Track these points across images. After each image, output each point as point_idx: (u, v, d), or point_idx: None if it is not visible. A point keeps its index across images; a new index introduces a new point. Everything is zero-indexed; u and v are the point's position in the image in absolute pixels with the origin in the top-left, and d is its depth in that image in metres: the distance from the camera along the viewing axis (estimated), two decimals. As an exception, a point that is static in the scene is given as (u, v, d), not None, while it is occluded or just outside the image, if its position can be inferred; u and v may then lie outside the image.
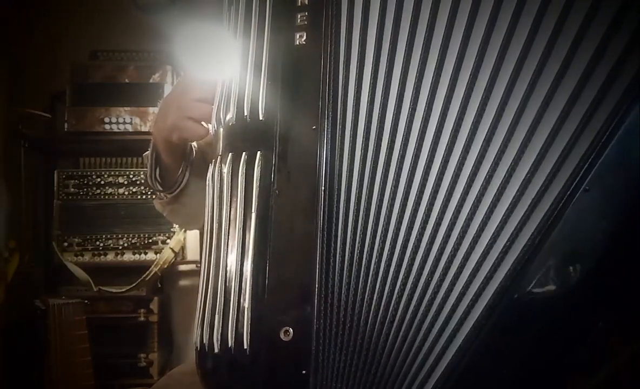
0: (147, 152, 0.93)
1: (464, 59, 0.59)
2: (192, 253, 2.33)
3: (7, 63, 2.35)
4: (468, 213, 0.58)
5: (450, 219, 0.58)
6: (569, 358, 0.56)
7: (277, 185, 0.63)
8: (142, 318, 2.20)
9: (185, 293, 2.43)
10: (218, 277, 0.65)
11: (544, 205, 0.55)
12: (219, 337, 0.63)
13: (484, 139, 0.58)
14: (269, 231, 0.62)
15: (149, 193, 2.23)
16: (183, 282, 2.45)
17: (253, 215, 0.63)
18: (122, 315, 2.19)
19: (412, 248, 0.60)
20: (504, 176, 0.57)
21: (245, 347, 0.61)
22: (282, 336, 0.60)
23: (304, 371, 0.59)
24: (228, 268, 0.64)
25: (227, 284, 0.64)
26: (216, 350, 0.63)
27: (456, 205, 0.58)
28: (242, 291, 0.62)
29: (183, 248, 2.28)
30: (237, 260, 0.63)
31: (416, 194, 0.60)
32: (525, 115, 0.56)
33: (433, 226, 0.59)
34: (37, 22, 2.46)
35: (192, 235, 2.31)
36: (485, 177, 0.57)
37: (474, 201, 0.58)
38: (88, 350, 1.92)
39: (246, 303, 0.61)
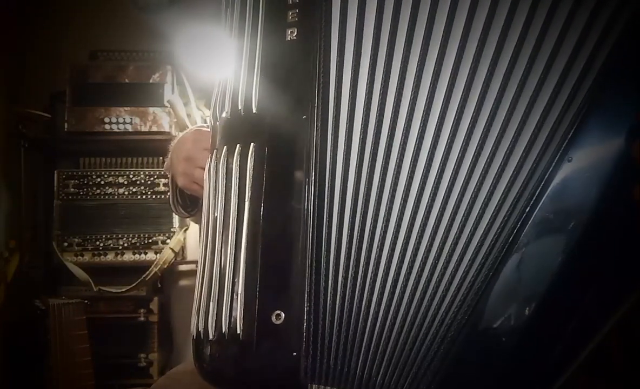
0: (167, 180, 1.00)
1: (465, 49, 0.60)
2: (192, 253, 2.33)
3: (7, 63, 2.35)
4: (479, 210, 0.60)
5: (461, 219, 0.61)
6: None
7: (269, 175, 0.65)
8: (142, 318, 2.20)
9: (185, 293, 2.42)
10: (213, 266, 0.66)
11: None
12: (214, 323, 0.64)
13: (481, 133, 0.60)
14: (262, 219, 0.64)
15: (149, 193, 2.24)
16: (183, 282, 2.45)
17: (247, 205, 0.65)
18: (122, 315, 2.19)
19: (413, 237, 0.61)
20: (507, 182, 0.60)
21: (238, 332, 0.62)
22: (273, 319, 0.61)
23: (294, 353, 0.61)
24: (223, 256, 0.66)
25: (222, 272, 0.65)
26: (211, 336, 0.64)
27: (455, 201, 0.61)
28: (236, 278, 0.64)
29: (183, 248, 2.28)
30: (231, 248, 0.65)
31: (418, 186, 0.62)
32: (520, 103, 0.59)
33: (435, 221, 0.61)
34: (37, 22, 2.46)
35: (192, 235, 2.31)
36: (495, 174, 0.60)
37: (484, 199, 0.60)
38: (88, 350, 1.92)
39: (239, 289, 0.63)
